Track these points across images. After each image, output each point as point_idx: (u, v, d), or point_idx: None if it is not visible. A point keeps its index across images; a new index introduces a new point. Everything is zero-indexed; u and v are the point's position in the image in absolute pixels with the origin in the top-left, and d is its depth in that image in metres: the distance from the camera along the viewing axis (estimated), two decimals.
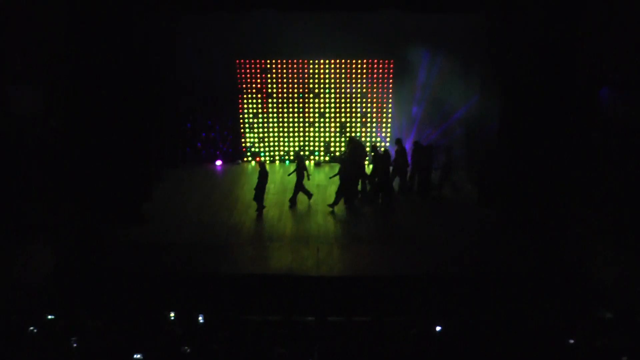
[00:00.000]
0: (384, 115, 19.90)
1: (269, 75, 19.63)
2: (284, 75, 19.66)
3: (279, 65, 19.57)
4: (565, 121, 13.47)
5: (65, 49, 13.26)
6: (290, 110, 19.98)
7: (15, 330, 8.62)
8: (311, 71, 19.61)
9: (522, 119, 13.76)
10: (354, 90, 19.72)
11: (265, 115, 20.01)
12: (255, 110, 19.97)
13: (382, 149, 17.39)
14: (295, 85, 19.73)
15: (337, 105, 19.94)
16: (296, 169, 15.83)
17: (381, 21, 17.21)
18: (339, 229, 14.57)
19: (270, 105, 19.93)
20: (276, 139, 20.29)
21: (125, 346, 8.27)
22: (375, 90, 19.69)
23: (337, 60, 19.48)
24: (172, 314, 9.53)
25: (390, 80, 19.55)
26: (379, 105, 19.84)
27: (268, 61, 19.50)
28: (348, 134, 19.59)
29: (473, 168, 17.13)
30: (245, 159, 20.26)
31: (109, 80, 13.54)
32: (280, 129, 20.18)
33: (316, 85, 19.76)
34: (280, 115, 20.02)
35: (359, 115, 19.98)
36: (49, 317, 9.19)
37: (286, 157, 20.30)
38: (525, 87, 13.55)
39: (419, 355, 8.54)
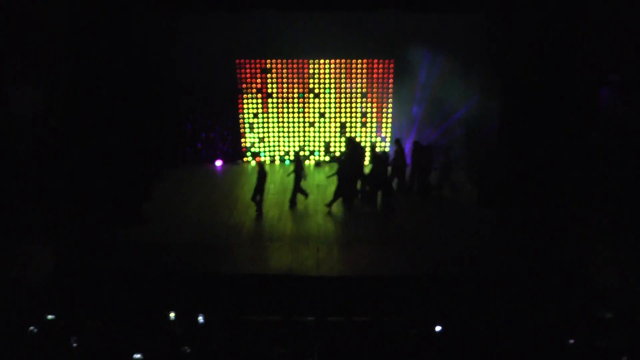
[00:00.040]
0: (384, 115, 19.89)
1: (269, 75, 19.63)
2: (284, 75, 19.65)
3: (279, 65, 19.56)
4: (565, 121, 13.47)
5: (65, 49, 13.25)
6: (290, 110, 19.98)
7: (15, 330, 8.62)
8: (311, 71, 19.60)
9: (522, 119, 13.76)
10: (354, 90, 19.72)
11: (265, 115, 20.01)
12: (255, 110, 19.97)
13: (380, 149, 17.38)
14: (295, 85, 19.73)
15: (337, 105, 19.93)
16: (294, 169, 15.83)
17: (381, 21, 17.21)
18: (339, 229, 14.57)
19: (270, 105, 19.93)
20: (276, 139, 20.29)
21: (125, 346, 8.27)
22: (375, 90, 19.69)
23: (337, 60, 19.47)
24: (172, 314, 9.53)
25: (390, 80, 19.54)
26: (379, 105, 19.84)
27: (268, 61, 19.49)
28: (347, 134, 19.57)
29: (473, 168, 17.12)
30: (245, 159, 20.26)
31: (108, 80, 13.54)
32: (280, 129, 20.18)
33: (316, 85, 19.76)
34: (280, 115, 20.02)
35: (359, 115, 19.98)
36: (49, 317, 9.19)
37: (286, 157, 20.29)
38: (525, 87, 13.55)
39: (419, 355, 8.54)
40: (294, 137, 20.22)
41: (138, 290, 11.56)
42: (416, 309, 11.12)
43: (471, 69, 16.70)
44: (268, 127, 20.15)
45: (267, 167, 19.34)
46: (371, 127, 20.03)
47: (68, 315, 9.33)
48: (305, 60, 19.48)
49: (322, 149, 20.18)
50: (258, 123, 20.09)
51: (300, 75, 19.63)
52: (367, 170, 16.86)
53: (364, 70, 19.54)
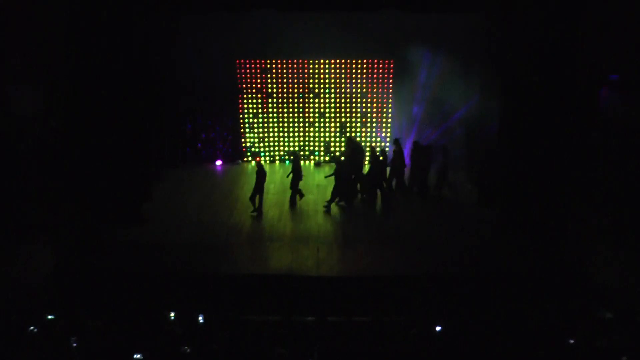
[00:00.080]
0: (384, 115, 19.90)
1: (269, 75, 19.63)
2: (284, 75, 19.67)
3: (279, 65, 19.58)
4: (565, 121, 13.47)
5: (65, 49, 13.25)
6: (290, 110, 19.99)
7: (15, 330, 8.62)
8: (311, 71, 19.61)
9: (522, 119, 13.76)
10: (354, 90, 19.73)
11: (265, 115, 20.02)
12: (255, 110, 19.98)
13: (379, 149, 17.40)
14: (295, 85, 19.74)
15: (337, 105, 19.94)
16: (292, 169, 15.83)
17: (381, 21, 17.21)
18: (339, 229, 14.57)
19: (270, 105, 19.94)
20: (276, 139, 20.30)
21: (125, 346, 8.27)
22: (375, 90, 19.69)
23: (337, 60, 19.48)
24: (172, 314, 9.53)
25: (390, 80, 19.55)
26: (379, 105, 19.84)
27: (268, 61, 19.51)
28: (347, 134, 19.56)
29: (473, 168, 17.12)
30: (245, 159, 20.27)
31: (109, 80, 13.54)
32: (280, 129, 20.19)
33: (316, 85, 19.77)
34: (280, 115, 20.03)
35: (359, 115, 19.98)
36: (49, 317, 9.19)
37: (286, 157, 20.30)
38: (525, 87, 13.55)
39: (419, 355, 8.54)
40: (294, 137, 20.22)
41: (138, 290, 11.56)
42: (416, 309, 11.12)
43: (471, 69, 16.71)
44: (268, 127, 20.16)
45: (267, 167, 19.37)
46: (371, 127, 20.04)
47: (68, 315, 9.33)
48: (305, 60, 19.49)
49: (322, 149, 20.18)
50: (258, 123, 20.09)
51: (300, 75, 19.64)
52: (366, 170, 16.88)
53: (364, 70, 19.55)
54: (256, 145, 20.24)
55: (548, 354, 8.45)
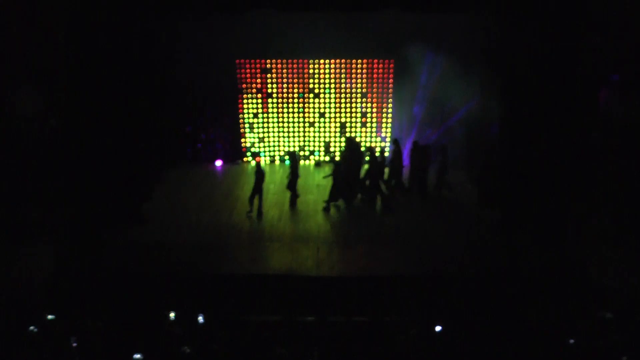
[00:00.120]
0: (384, 115, 19.89)
1: (269, 75, 19.63)
2: (284, 75, 19.65)
3: (279, 65, 19.56)
4: (565, 121, 13.47)
5: (65, 49, 13.25)
6: (290, 110, 19.97)
7: (15, 330, 8.62)
8: (311, 71, 19.60)
9: (522, 119, 13.76)
10: (354, 90, 19.72)
11: (265, 115, 20.01)
12: (255, 110, 19.97)
13: (378, 149, 17.40)
14: (295, 85, 19.73)
15: (337, 105, 19.93)
16: (290, 168, 15.83)
17: (381, 21, 17.18)
18: (339, 229, 14.57)
19: (270, 105, 19.92)
20: (276, 139, 20.29)
21: (125, 346, 8.27)
22: (375, 90, 19.69)
23: (337, 60, 19.47)
24: (172, 314, 9.54)
25: (390, 80, 19.54)
26: (379, 105, 19.84)
27: (268, 61, 19.49)
28: (346, 134, 19.55)
29: (473, 168, 17.12)
30: (245, 159, 20.26)
31: (109, 80, 13.53)
32: (280, 129, 20.18)
33: (316, 85, 19.76)
34: (280, 115, 20.02)
35: (359, 115, 19.98)
36: (49, 317, 9.19)
37: (286, 157, 20.28)
38: (525, 87, 13.55)
39: (419, 355, 8.54)
40: (294, 137, 20.22)
41: (138, 291, 11.55)
42: (416, 309, 11.12)
43: (471, 69, 16.69)
44: (268, 127, 20.15)
45: (267, 167, 19.39)
46: (371, 127, 20.04)
47: (68, 315, 9.33)
48: (305, 60, 19.47)
49: (322, 149, 20.18)
50: (258, 123, 20.08)
51: (300, 75, 19.63)
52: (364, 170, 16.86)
53: (364, 70, 19.55)
54: (256, 145, 20.24)
55: (548, 354, 8.45)
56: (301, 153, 20.09)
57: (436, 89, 18.65)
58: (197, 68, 18.57)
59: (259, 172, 15.14)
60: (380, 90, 19.64)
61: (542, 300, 11.32)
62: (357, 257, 13.05)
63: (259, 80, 19.65)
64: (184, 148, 19.86)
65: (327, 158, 19.99)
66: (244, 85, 19.65)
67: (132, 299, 11.20)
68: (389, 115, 19.87)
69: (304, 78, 19.63)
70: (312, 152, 20.34)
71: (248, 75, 19.59)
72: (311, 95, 19.82)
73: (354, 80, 19.60)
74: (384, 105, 19.80)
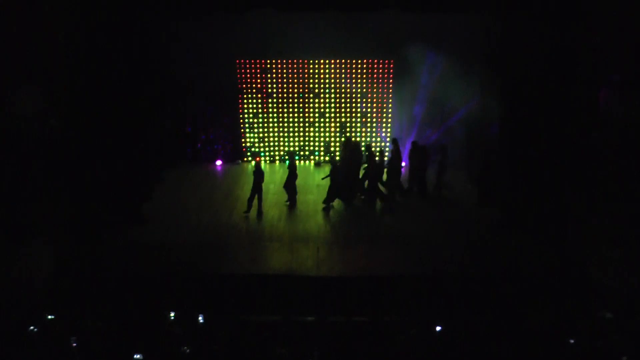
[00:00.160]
0: (384, 115, 19.90)
1: (269, 75, 19.63)
2: (284, 75, 19.67)
3: (279, 65, 19.58)
4: (565, 121, 13.47)
5: (65, 49, 13.25)
6: (290, 110, 19.99)
7: (15, 330, 8.63)
8: (311, 71, 19.61)
9: (522, 119, 13.76)
10: (354, 90, 19.73)
11: (265, 115, 20.02)
12: (255, 110, 19.98)
13: (378, 149, 17.40)
14: (295, 85, 19.74)
15: (337, 105, 19.94)
16: (288, 169, 15.83)
17: (381, 21, 17.20)
18: (339, 229, 14.57)
19: (270, 105, 19.94)
20: (276, 139, 20.30)
21: (125, 346, 8.28)
22: (375, 90, 19.70)
23: (337, 60, 19.49)
24: (172, 314, 9.54)
25: (390, 80, 19.55)
26: (379, 105, 19.85)
27: (268, 61, 19.50)
28: (345, 135, 19.56)
29: (473, 168, 17.12)
30: (245, 159, 20.27)
31: (109, 80, 13.54)
32: (280, 129, 20.19)
33: (316, 85, 19.77)
34: (280, 115, 20.03)
35: (359, 115, 19.98)
36: (49, 317, 9.19)
37: (286, 157, 20.29)
38: (525, 87, 13.55)
39: (419, 355, 8.55)
40: (294, 137, 20.23)
41: (138, 290, 11.56)
42: (416, 309, 11.12)
43: (471, 69, 16.69)
44: (268, 127, 20.16)
45: (267, 167, 19.41)
46: (371, 127, 20.05)
47: (68, 315, 9.34)
48: (305, 60, 19.49)
49: (322, 149, 20.19)
50: (258, 123, 20.09)
51: (300, 75, 19.64)
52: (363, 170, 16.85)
53: (364, 71, 19.56)
54: (256, 145, 20.24)
55: (548, 354, 8.45)
56: (301, 153, 20.11)
57: (436, 89, 18.67)
58: (197, 68, 18.60)
59: (258, 172, 15.14)
60: (380, 90, 19.66)
61: (542, 300, 11.32)
62: (357, 257, 13.05)
63: (259, 80, 19.67)
64: (184, 148, 19.86)
65: (327, 158, 20.01)
66: (244, 85, 19.67)
67: (132, 299, 11.20)
68: (389, 115, 19.88)
69: (304, 78, 19.65)
70: (312, 152, 20.35)
71: (248, 75, 19.61)
72: (311, 95, 19.83)
73: (354, 80, 19.61)
74: (384, 105, 19.81)
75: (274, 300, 11.39)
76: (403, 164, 18.03)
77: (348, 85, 19.67)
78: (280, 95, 19.83)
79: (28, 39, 14.38)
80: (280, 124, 20.12)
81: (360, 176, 16.43)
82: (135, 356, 7.91)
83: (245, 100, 19.86)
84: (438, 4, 14.38)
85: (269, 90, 19.75)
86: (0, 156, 14.62)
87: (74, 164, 13.59)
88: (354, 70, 19.57)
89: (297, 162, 18.53)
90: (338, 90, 19.78)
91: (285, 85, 19.74)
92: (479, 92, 16.04)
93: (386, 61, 19.40)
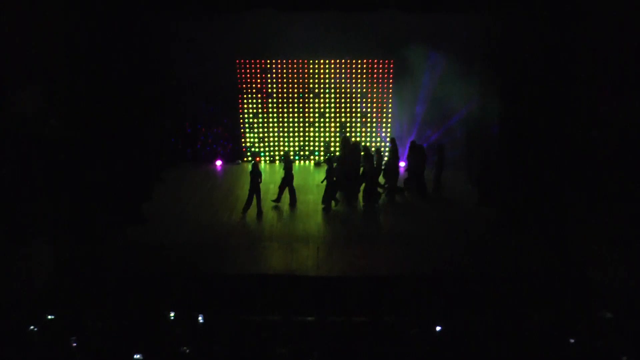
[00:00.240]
0: (384, 115, 19.90)
1: (269, 75, 19.64)
2: (284, 75, 19.67)
3: (279, 65, 19.59)
4: (565, 121, 13.47)
5: (65, 48, 13.25)
6: (290, 110, 19.99)
7: (15, 330, 8.63)
8: (311, 71, 19.61)
9: (522, 119, 13.76)
10: (354, 90, 19.73)
11: (265, 115, 20.02)
12: (255, 110, 19.98)
13: (373, 149, 17.41)
14: (295, 85, 19.74)
15: (337, 105, 19.95)
16: (285, 169, 15.83)
17: (381, 21, 17.20)
18: (339, 229, 14.56)
19: (270, 105, 19.94)
20: (276, 139, 20.30)
21: (125, 346, 8.28)
22: (375, 90, 19.70)
23: (337, 60, 19.49)
24: (172, 314, 9.54)
25: (390, 80, 19.55)
26: (379, 105, 19.85)
27: (268, 61, 19.51)
28: (344, 135, 19.54)
29: (473, 168, 17.13)
30: (245, 159, 20.27)
31: (109, 80, 13.54)
32: (280, 129, 20.19)
33: (316, 85, 19.77)
34: (280, 115, 20.03)
35: (359, 115, 19.98)
36: (49, 317, 9.19)
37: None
38: (525, 87, 13.55)
39: (419, 355, 8.54)
40: (294, 137, 20.23)
41: (138, 290, 11.56)
42: (416, 309, 11.11)
43: (471, 69, 16.70)
44: (268, 127, 20.16)
45: (267, 167, 19.42)
46: (371, 127, 20.05)
47: (68, 315, 9.34)
48: (305, 60, 19.49)
49: (322, 149, 20.18)
50: (258, 123, 20.09)
51: (300, 75, 19.65)
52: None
53: (364, 71, 19.56)
54: (256, 145, 20.24)
55: (548, 354, 8.45)
56: (301, 153, 20.10)
57: (436, 89, 18.67)
58: (197, 68, 18.60)
59: (255, 172, 15.14)
60: (380, 90, 19.66)
61: (542, 300, 11.32)
62: (357, 257, 13.04)
63: (259, 80, 19.67)
64: (184, 148, 19.86)
65: (323, 158, 20.02)
66: (244, 85, 19.67)
67: (132, 299, 11.20)
68: (389, 115, 19.88)
69: (304, 78, 19.66)
70: (312, 152, 20.35)
71: (248, 75, 19.61)
72: (311, 95, 19.84)
73: (354, 80, 19.61)
74: (384, 105, 19.81)
75: (274, 300, 11.39)
76: (402, 164, 18.08)
77: (348, 85, 19.67)
78: (280, 95, 19.83)
79: (28, 39, 14.37)
80: (280, 124, 20.12)
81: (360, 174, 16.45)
82: (135, 356, 7.91)
83: (245, 100, 19.86)
84: (438, 4, 14.38)
85: (269, 90, 19.76)
86: (0, 156, 14.60)
87: (74, 164, 13.59)
88: (354, 70, 19.58)
89: (295, 162, 18.58)
90: (338, 90, 19.78)
91: (285, 85, 19.74)
92: (479, 92, 16.04)
93: (386, 61, 19.41)
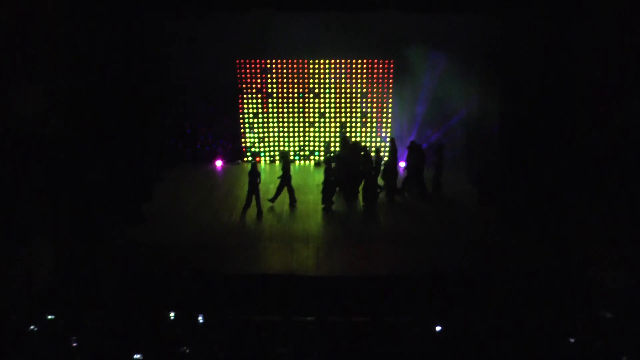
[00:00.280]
0: (384, 115, 19.90)
1: (269, 75, 19.63)
2: (284, 75, 19.67)
3: (279, 65, 19.58)
4: (565, 121, 13.47)
5: (65, 48, 13.25)
6: (290, 110, 19.99)
7: (15, 330, 8.63)
8: (311, 71, 19.61)
9: (522, 119, 13.77)
10: (354, 90, 19.73)
11: (265, 115, 20.02)
12: (255, 110, 19.98)
13: (373, 149, 17.41)
14: (295, 85, 19.74)
15: (337, 105, 19.94)
16: (283, 169, 15.82)
17: (381, 21, 17.19)
18: (339, 229, 14.56)
19: (270, 105, 19.94)
20: (276, 139, 20.30)
21: (125, 346, 8.27)
22: (375, 90, 19.69)
23: (337, 60, 19.48)
24: (172, 314, 9.54)
25: (390, 80, 19.55)
26: (379, 105, 19.85)
27: (268, 61, 19.50)
28: (344, 135, 19.53)
29: (473, 168, 17.13)
30: (245, 159, 20.26)
31: (109, 80, 13.55)
32: (280, 129, 20.19)
33: (316, 85, 19.77)
34: (280, 115, 20.03)
35: (359, 115, 19.98)
36: (49, 317, 9.19)
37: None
38: (525, 87, 13.56)
39: (419, 355, 8.54)
40: (294, 137, 20.22)
41: (138, 290, 11.56)
42: (416, 309, 11.11)
43: (471, 69, 16.70)
44: (268, 127, 20.15)
45: (267, 167, 19.42)
46: (371, 127, 20.04)
47: (68, 315, 9.33)
48: (305, 60, 19.49)
49: (323, 149, 20.18)
50: (258, 123, 20.09)
51: (300, 75, 19.64)
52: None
53: (364, 71, 19.55)
54: (256, 145, 20.24)
55: (548, 354, 8.45)
56: (301, 153, 20.09)
57: (436, 89, 18.66)
58: (197, 68, 18.59)
59: (253, 172, 15.13)
60: (380, 90, 19.65)
61: (542, 300, 11.32)
62: (357, 257, 13.04)
63: (259, 80, 19.67)
64: (184, 148, 19.86)
65: (322, 158, 20.02)
66: (244, 85, 19.67)
67: (132, 298, 11.19)
68: (389, 115, 19.88)
69: (304, 78, 19.66)
70: (312, 152, 20.34)
71: (248, 75, 19.61)
72: (311, 95, 19.84)
73: (354, 80, 19.62)
74: (384, 105, 19.81)
75: (274, 300, 11.39)
76: (402, 164, 18.08)
77: (348, 85, 19.67)
78: (280, 95, 19.83)
79: (28, 39, 14.36)
80: (280, 124, 20.12)
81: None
82: (135, 356, 7.90)
83: (245, 100, 19.85)
84: (438, 4, 14.38)
85: (269, 90, 19.75)
86: (0, 156, 14.60)
87: (74, 164, 13.59)
88: (354, 70, 19.57)
89: (295, 162, 18.57)
90: (338, 90, 19.78)
91: (285, 85, 19.74)
92: (479, 92, 16.04)
93: (386, 61, 19.40)
